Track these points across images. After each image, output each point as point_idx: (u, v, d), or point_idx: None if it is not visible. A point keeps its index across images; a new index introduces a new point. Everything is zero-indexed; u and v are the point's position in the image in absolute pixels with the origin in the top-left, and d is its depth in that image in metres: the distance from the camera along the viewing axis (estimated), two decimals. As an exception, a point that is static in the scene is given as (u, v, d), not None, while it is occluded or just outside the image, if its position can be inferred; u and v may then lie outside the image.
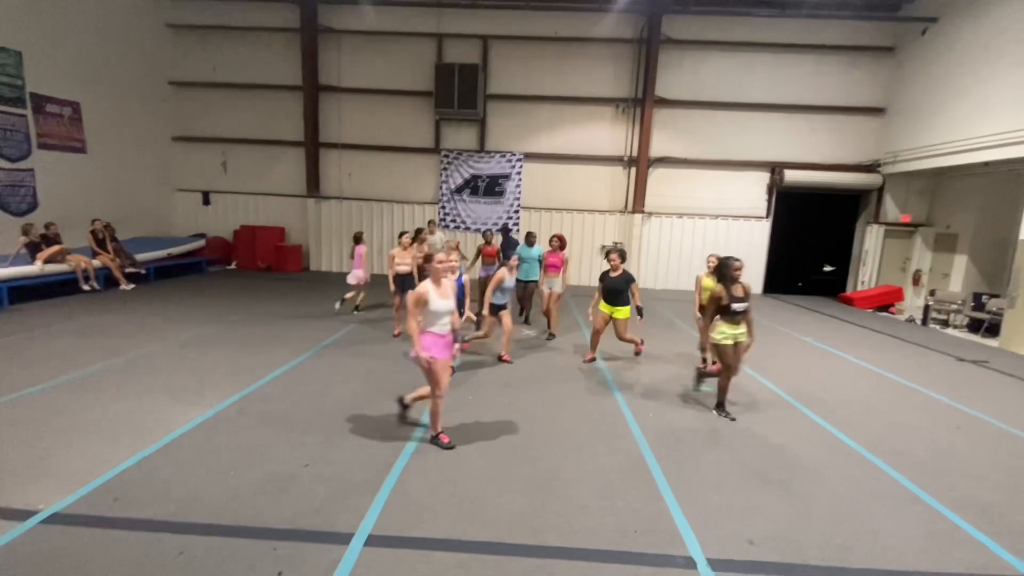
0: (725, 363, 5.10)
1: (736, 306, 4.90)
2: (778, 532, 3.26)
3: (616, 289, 6.45)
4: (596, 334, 6.73)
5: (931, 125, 11.60)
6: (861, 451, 4.53)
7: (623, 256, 6.54)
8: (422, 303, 3.92)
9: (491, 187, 14.16)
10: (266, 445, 4.09)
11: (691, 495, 3.64)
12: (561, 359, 6.94)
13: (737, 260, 5.03)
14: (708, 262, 6.48)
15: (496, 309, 6.64)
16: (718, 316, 5.06)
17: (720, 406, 5.24)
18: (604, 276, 6.52)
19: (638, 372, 6.50)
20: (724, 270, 5.04)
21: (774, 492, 3.75)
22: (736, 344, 5.03)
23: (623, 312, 6.49)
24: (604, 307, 6.56)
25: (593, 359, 6.87)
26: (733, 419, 5.05)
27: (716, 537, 3.16)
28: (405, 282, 7.47)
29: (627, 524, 3.27)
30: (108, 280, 10.21)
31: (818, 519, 3.43)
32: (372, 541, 2.98)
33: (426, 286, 3.99)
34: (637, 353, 7.20)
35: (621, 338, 6.74)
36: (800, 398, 5.81)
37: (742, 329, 5.03)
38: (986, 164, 10.41)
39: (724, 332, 5.01)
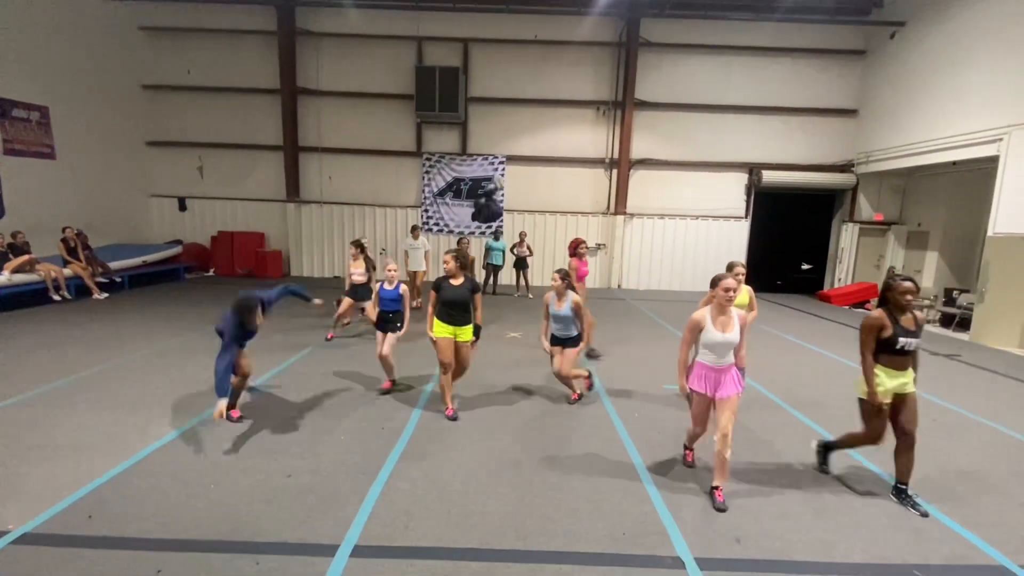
0: (874, 430, 3.65)
1: (906, 342, 3.47)
2: (764, 530, 3.29)
3: (457, 301, 4.83)
4: (447, 369, 4.86)
5: (901, 126, 11.93)
6: (842, 446, 4.60)
7: (463, 260, 4.90)
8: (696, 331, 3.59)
9: (474, 190, 14.13)
10: (247, 456, 3.99)
11: (678, 496, 3.65)
12: (546, 366, 6.92)
13: (908, 281, 3.49)
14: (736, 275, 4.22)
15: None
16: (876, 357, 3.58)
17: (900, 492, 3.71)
18: (440, 284, 4.83)
19: (624, 373, 6.52)
20: (889, 292, 3.54)
21: (759, 490, 3.79)
22: (903, 398, 3.58)
23: (467, 333, 4.92)
24: (443, 329, 4.82)
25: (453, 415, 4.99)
26: (924, 514, 3.53)
27: (704, 537, 3.17)
28: (359, 291, 7.51)
29: (615, 527, 3.27)
30: (80, 289, 9.92)
31: (803, 515, 3.48)
32: (358, 552, 2.93)
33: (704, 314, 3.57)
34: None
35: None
36: (782, 395, 5.89)
37: (908, 378, 3.57)
38: (954, 163, 10.74)
39: (883, 382, 3.55)
